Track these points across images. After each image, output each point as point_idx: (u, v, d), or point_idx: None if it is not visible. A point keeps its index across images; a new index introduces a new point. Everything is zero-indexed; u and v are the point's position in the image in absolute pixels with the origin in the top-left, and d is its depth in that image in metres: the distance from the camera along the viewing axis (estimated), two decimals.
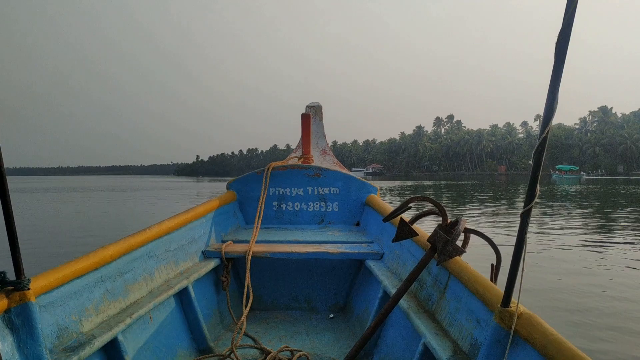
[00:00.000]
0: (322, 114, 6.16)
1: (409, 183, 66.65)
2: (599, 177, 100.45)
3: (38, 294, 2.25)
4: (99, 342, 2.42)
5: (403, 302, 2.91)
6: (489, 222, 17.44)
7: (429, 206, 3.12)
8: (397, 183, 66.37)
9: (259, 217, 4.46)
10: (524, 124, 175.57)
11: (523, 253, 1.86)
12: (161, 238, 3.43)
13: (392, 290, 3.12)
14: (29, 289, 2.17)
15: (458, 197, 31.90)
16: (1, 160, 2.01)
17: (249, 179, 5.02)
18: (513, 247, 1.89)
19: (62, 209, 26.88)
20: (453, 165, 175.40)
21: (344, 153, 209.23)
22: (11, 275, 2.20)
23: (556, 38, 1.62)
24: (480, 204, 25.87)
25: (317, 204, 4.99)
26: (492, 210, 22.07)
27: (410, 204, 3.12)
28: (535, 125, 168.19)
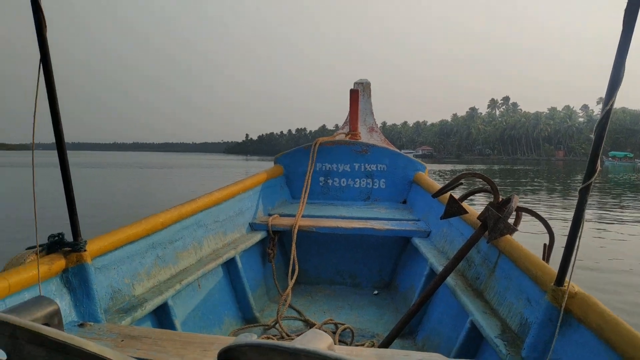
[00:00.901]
0: (370, 91, 6.12)
1: (460, 167, 65.37)
2: None
3: (93, 256, 2.36)
4: (150, 306, 2.52)
5: (450, 280, 2.88)
6: (544, 205, 16.93)
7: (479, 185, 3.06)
8: (448, 166, 65.24)
9: (305, 192, 4.50)
10: (585, 107, 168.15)
11: (580, 231, 1.80)
12: (210, 209, 3.52)
13: (439, 268, 3.09)
14: (85, 250, 2.28)
15: (512, 184, 31.01)
16: (60, 128, 2.11)
17: (297, 154, 5.06)
18: (566, 229, 1.83)
19: (119, 185, 27.97)
20: (507, 150, 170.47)
21: (393, 134, 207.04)
22: (69, 238, 2.32)
23: (625, 4, 1.54)
24: (536, 190, 25.07)
25: (363, 181, 4.99)
26: (549, 197, 21.38)
27: (461, 180, 3.06)
28: (597, 109, 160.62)
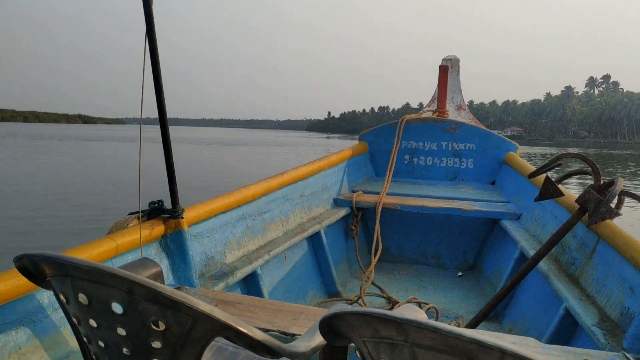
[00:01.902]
0: (459, 67, 5.93)
1: (552, 150, 61.94)
2: None
3: (190, 223, 2.50)
4: (241, 274, 2.64)
5: (542, 265, 2.78)
6: None
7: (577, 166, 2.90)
8: (538, 149, 62.06)
9: (390, 170, 4.48)
10: None
11: None
12: (296, 183, 3.61)
13: (531, 252, 2.99)
14: (182, 217, 2.43)
15: (610, 173, 29.00)
16: (163, 101, 2.24)
17: (382, 131, 5.03)
18: None
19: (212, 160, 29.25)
20: (606, 132, 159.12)
21: (480, 114, 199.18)
22: (168, 206, 2.48)
23: None
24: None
25: (450, 160, 4.89)
26: None
27: (560, 161, 2.92)
28: None
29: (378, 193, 4.15)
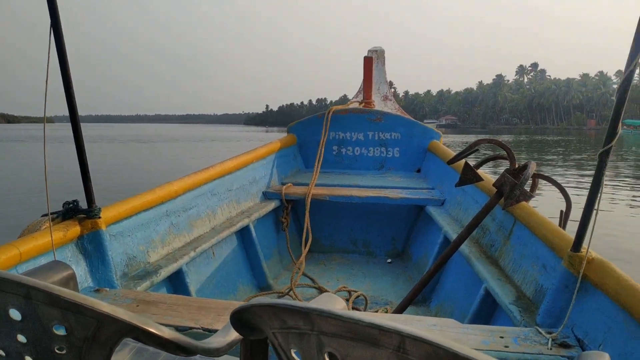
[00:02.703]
0: (384, 59, 6.08)
1: (485, 137, 64.21)
2: None
3: (108, 223, 2.44)
4: (165, 272, 2.61)
5: (464, 248, 2.92)
6: (572, 177, 16.69)
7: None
8: (473, 137, 64.35)
9: (318, 161, 4.55)
10: (619, 73, 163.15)
11: (599, 195, 1.81)
12: (223, 177, 3.59)
13: (453, 236, 3.12)
14: (99, 217, 2.37)
15: (540, 159, 30.51)
16: (72, 95, 2.18)
17: (310, 123, 5.09)
18: (584, 197, 1.84)
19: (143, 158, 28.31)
20: (536, 119, 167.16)
21: (415, 104, 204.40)
22: (83, 206, 2.40)
23: None
24: (569, 166, 24.63)
25: (377, 149, 5.02)
26: (577, 171, 21.03)
27: (477, 147, 3.06)
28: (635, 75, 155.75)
29: (307, 184, 4.21)
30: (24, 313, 1.04)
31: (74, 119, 2.23)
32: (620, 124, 1.74)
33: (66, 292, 1.01)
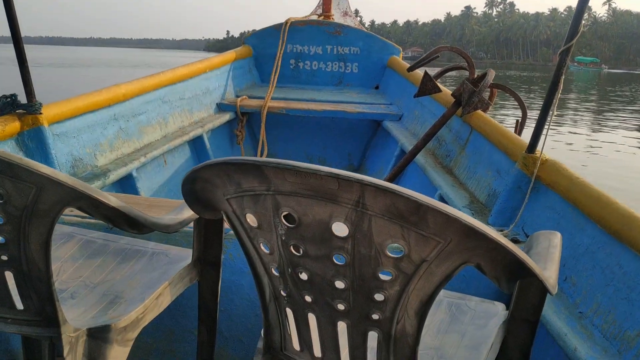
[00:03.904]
0: None
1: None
2: (623, 72, 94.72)
3: (51, 122, 2.37)
4: (114, 176, 2.58)
5: (420, 158, 2.98)
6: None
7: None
8: (438, 69, 64.26)
9: (275, 74, 4.51)
10: (588, 9, 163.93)
11: (556, 97, 1.85)
12: (175, 85, 3.52)
13: (410, 149, 3.18)
14: (41, 113, 2.29)
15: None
16: None
17: (266, 34, 4.97)
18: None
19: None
20: (502, 53, 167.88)
21: (381, 34, 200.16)
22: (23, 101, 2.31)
23: None
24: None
25: (335, 64, 4.98)
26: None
27: (438, 54, 3.08)
28: (603, 11, 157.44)
29: (263, 98, 4.17)
30: None
31: (9, 9, 2.12)
32: (582, 25, 1.78)
33: (1, 152, 0.96)
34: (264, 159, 0.79)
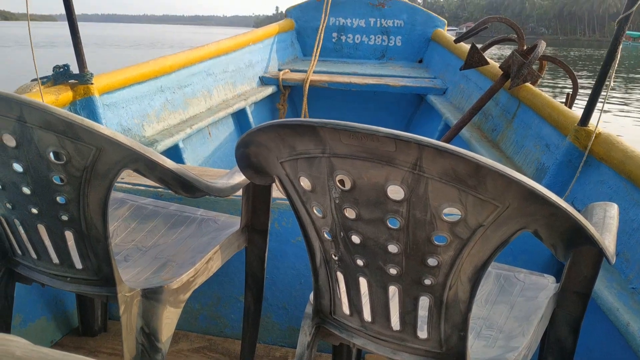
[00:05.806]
0: None
1: (504, 49, 62.40)
2: None
3: (101, 92, 2.47)
4: (161, 146, 2.67)
5: (465, 132, 2.98)
6: None
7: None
8: (493, 48, 62.38)
9: (317, 47, 4.54)
10: None
11: (613, 67, 1.81)
12: (219, 57, 3.61)
13: (454, 123, 3.17)
14: (92, 83, 2.39)
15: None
16: None
17: (309, 7, 5.00)
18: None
19: None
20: (565, 29, 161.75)
21: (434, 9, 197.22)
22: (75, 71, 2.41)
23: None
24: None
25: (379, 37, 4.98)
26: None
27: (486, 25, 3.03)
28: None
29: (305, 72, 4.21)
30: (18, 138, 1.03)
31: None
32: None
33: (62, 112, 0.99)
34: (320, 120, 0.79)
